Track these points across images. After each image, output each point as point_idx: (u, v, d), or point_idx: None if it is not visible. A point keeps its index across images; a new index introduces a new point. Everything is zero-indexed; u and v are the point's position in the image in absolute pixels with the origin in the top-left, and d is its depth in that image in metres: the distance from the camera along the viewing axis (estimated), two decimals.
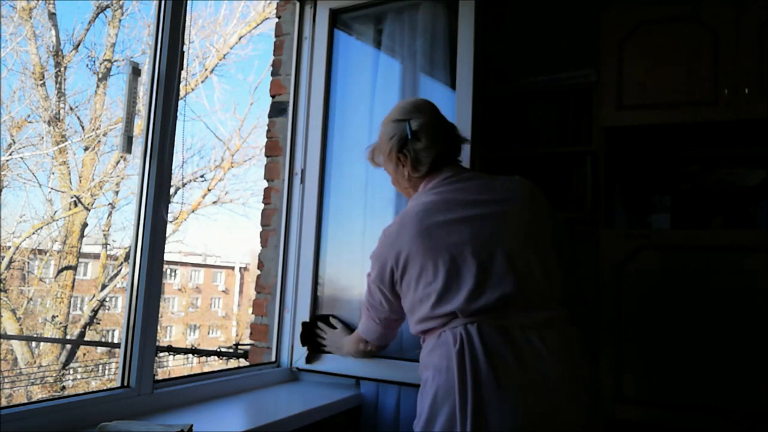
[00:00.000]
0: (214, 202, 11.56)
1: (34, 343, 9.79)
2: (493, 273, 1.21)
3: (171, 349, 6.31)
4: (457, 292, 1.21)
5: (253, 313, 2.14)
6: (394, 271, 1.31)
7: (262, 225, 2.15)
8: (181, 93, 1.56)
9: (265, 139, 2.19)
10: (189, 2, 1.57)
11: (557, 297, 1.27)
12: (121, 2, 10.19)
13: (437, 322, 1.24)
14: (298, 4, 2.13)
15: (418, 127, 1.36)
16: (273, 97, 2.20)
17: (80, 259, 10.63)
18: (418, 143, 1.36)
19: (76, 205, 9.85)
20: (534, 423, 1.13)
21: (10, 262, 9.84)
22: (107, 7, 10.15)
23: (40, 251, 10.48)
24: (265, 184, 2.17)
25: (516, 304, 1.21)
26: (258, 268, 2.14)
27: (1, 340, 9.60)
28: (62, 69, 9.87)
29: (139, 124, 1.52)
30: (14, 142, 9.46)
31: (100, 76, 10.32)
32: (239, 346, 6.16)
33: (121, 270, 10.46)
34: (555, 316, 1.24)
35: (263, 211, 2.16)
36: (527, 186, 1.35)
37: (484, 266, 1.22)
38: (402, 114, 1.40)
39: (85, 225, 10.06)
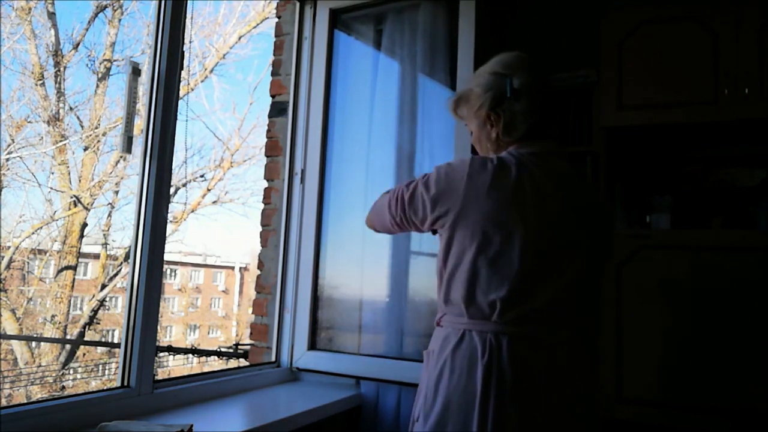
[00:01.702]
0: (214, 202, 11.55)
1: (33, 343, 9.78)
2: (542, 277, 1.11)
3: (171, 349, 6.30)
4: (501, 283, 1.09)
5: (253, 313, 2.14)
6: (443, 216, 1.13)
7: (262, 225, 2.15)
8: (181, 93, 1.56)
9: (265, 139, 2.19)
10: (189, 2, 1.57)
11: (590, 310, 1.21)
12: (120, 2, 10.18)
13: (469, 311, 1.12)
14: (298, 4, 2.13)
15: (521, 85, 1.17)
16: (273, 97, 2.20)
17: (80, 259, 10.61)
18: (518, 104, 1.17)
19: (75, 205, 9.85)
20: None
21: (10, 262, 9.83)
22: (107, 6, 10.14)
23: (40, 251, 10.47)
24: (265, 184, 2.17)
25: (553, 316, 1.12)
26: (258, 268, 2.14)
27: (1, 340, 9.59)
28: (62, 69, 9.85)
29: (139, 124, 1.52)
30: (13, 142, 9.45)
31: (100, 75, 10.31)
32: (239, 346, 6.15)
33: (121, 270, 10.45)
34: (585, 329, 1.18)
35: (263, 211, 2.16)
36: (601, 196, 1.26)
37: (535, 267, 1.10)
38: (504, 68, 1.20)
39: (84, 225, 10.05)
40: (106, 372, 10.84)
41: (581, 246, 1.16)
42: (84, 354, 10.87)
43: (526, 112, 1.18)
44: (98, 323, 11.23)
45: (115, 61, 10.34)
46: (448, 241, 1.15)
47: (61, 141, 9.63)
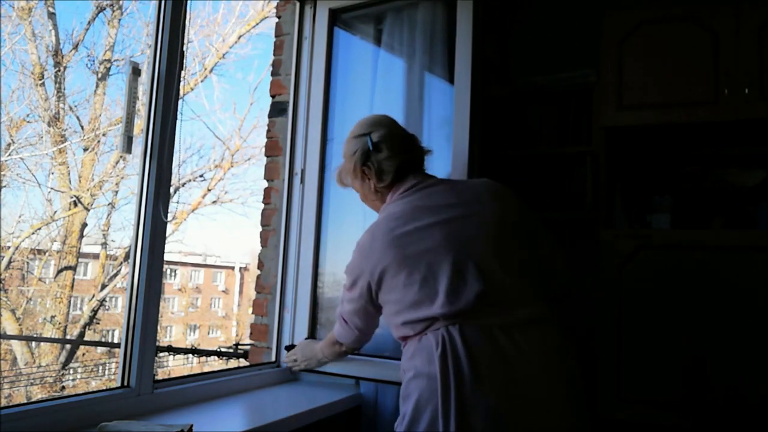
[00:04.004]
0: (214, 202, 11.56)
1: (33, 343, 9.78)
2: (468, 274, 1.23)
3: (171, 349, 6.30)
4: (435, 296, 1.22)
5: (253, 313, 2.13)
6: (371, 284, 1.32)
7: (262, 225, 2.15)
8: (181, 92, 1.56)
9: (265, 139, 2.19)
10: (188, 2, 1.57)
11: (539, 294, 1.28)
12: (120, 2, 10.19)
13: (419, 327, 1.25)
14: (297, 4, 2.13)
15: (379, 138, 1.40)
16: (273, 97, 2.20)
17: (80, 259, 10.62)
18: (380, 154, 1.39)
19: (75, 205, 9.85)
20: (516, 422, 1.14)
21: (10, 262, 9.83)
22: (107, 6, 10.15)
23: (40, 251, 10.47)
24: (265, 184, 2.17)
25: (495, 303, 1.22)
26: (258, 268, 2.14)
27: (1, 340, 9.59)
28: (62, 69, 9.86)
29: (139, 124, 1.52)
30: (13, 142, 9.45)
31: (100, 75, 10.32)
32: (239, 346, 6.16)
33: (120, 270, 10.46)
34: (537, 314, 1.24)
35: (263, 211, 2.16)
36: (494, 186, 1.38)
37: (458, 268, 1.23)
38: (362, 129, 1.43)
39: (84, 225, 10.06)
40: (106, 372, 10.84)
41: (486, 234, 1.27)
42: (84, 354, 10.87)
43: (390, 157, 1.39)
44: (98, 323, 11.24)
45: (115, 61, 10.36)
46: (381, 298, 1.33)
47: (60, 141, 9.63)
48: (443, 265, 1.23)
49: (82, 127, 10.22)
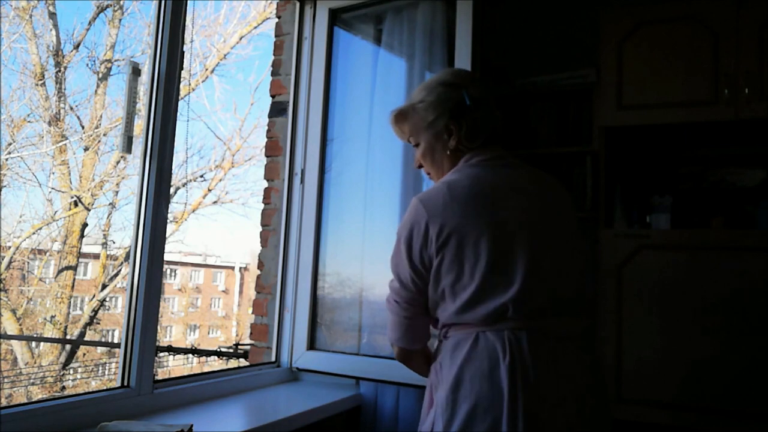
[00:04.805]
0: (215, 202, 11.55)
1: (34, 343, 9.78)
2: (544, 272, 1.12)
3: (171, 349, 6.29)
4: (512, 284, 1.09)
5: (253, 313, 2.14)
6: (431, 244, 1.12)
7: (262, 225, 2.15)
8: (182, 93, 1.56)
9: (265, 139, 2.19)
10: (189, 2, 1.57)
11: (584, 304, 1.21)
12: (121, 2, 10.19)
13: (483, 318, 1.10)
14: (297, 4, 2.13)
15: (478, 94, 1.21)
16: (273, 97, 2.20)
17: (80, 259, 10.61)
18: (477, 112, 1.21)
19: (76, 205, 9.85)
20: None
21: (10, 262, 9.84)
22: (107, 6, 10.15)
23: (40, 251, 10.47)
24: (265, 184, 2.17)
25: (561, 309, 1.13)
26: (258, 268, 2.14)
27: (1, 340, 9.59)
28: (62, 69, 9.85)
29: (139, 124, 1.52)
30: (14, 142, 9.45)
31: (100, 75, 10.31)
32: (239, 346, 6.15)
33: (121, 270, 10.46)
34: (587, 327, 1.19)
35: (263, 211, 2.16)
36: (564, 188, 1.29)
37: (537, 263, 1.11)
38: (455, 78, 1.24)
39: (85, 225, 10.05)
40: (106, 372, 10.84)
41: (562, 235, 1.19)
42: (84, 354, 10.87)
43: (486, 119, 1.22)
44: (98, 323, 11.24)
45: (115, 61, 10.35)
46: (438, 265, 1.14)
47: (61, 141, 9.63)
48: (525, 254, 1.10)
49: (82, 127, 10.22)
